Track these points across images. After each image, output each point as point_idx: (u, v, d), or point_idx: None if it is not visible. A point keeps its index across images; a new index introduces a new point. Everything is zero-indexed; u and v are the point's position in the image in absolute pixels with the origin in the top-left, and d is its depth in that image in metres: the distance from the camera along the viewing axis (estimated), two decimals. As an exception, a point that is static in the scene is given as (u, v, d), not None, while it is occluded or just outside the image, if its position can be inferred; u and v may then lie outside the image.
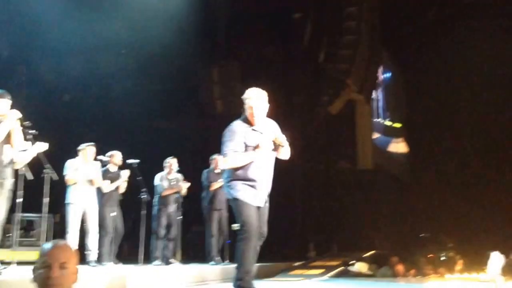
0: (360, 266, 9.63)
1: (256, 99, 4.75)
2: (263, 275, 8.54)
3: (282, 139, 4.78)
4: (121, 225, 7.98)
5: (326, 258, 10.46)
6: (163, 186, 8.33)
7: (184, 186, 8.48)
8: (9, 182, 5.82)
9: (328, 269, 9.42)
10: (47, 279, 2.09)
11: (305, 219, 10.90)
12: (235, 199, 4.56)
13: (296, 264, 9.92)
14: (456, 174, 14.52)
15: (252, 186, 4.59)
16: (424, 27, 14.15)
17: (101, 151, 7.71)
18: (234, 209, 4.66)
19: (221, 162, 5.91)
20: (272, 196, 10.65)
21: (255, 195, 4.60)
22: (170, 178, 8.45)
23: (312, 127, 11.71)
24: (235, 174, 4.59)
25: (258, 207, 4.64)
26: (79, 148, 7.37)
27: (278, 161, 10.65)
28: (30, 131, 5.77)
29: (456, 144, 14.89)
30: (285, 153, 4.83)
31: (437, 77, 14.77)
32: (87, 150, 7.36)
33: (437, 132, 15.23)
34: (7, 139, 5.17)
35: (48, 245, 2.20)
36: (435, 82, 14.86)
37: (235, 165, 4.56)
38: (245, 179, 4.56)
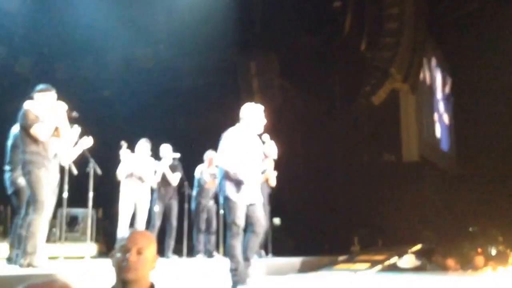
0: (408, 260, 9.52)
1: (258, 114, 5.49)
2: (307, 268, 8.60)
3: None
4: (174, 219, 8.14)
5: (371, 252, 10.39)
6: (204, 179, 8.46)
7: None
8: (56, 177, 6.06)
9: (374, 263, 9.36)
10: (123, 261, 2.16)
11: (348, 213, 10.86)
12: (226, 198, 5.16)
13: (341, 258, 9.91)
14: (505, 167, 14.15)
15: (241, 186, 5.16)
16: (469, 14, 13.84)
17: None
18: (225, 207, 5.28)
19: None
20: (315, 190, 10.68)
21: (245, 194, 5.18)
22: (210, 171, 8.58)
23: (354, 119, 11.63)
24: (227, 176, 5.18)
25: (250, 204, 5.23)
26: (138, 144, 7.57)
27: (319, 155, 10.69)
28: (72, 114, 5.98)
29: (505, 135, 14.52)
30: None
31: (483, 68, 14.44)
32: (140, 145, 7.56)
33: (484, 123, 14.89)
34: (54, 132, 5.33)
35: (127, 234, 2.31)
36: (480, 74, 14.53)
37: (229, 169, 5.20)
38: (236, 180, 5.14)
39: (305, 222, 10.37)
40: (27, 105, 5.22)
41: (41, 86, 5.37)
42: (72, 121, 5.78)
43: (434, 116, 16.26)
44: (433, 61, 16.17)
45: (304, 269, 8.62)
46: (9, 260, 5.58)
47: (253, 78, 12.24)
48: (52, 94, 5.35)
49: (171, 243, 8.05)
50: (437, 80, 16.85)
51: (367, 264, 9.39)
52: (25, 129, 5.15)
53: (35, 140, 5.11)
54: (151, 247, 2.26)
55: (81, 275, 4.79)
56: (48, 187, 5.19)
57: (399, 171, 12.62)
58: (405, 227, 11.22)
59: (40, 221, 5.03)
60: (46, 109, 5.27)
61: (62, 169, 6.11)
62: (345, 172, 11.11)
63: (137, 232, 2.37)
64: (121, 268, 2.16)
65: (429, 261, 9.64)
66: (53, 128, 5.22)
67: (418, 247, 10.30)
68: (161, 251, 7.79)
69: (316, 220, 10.47)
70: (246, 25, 11.36)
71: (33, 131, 5.08)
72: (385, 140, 12.62)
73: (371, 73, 11.52)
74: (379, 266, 9.13)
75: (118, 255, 2.21)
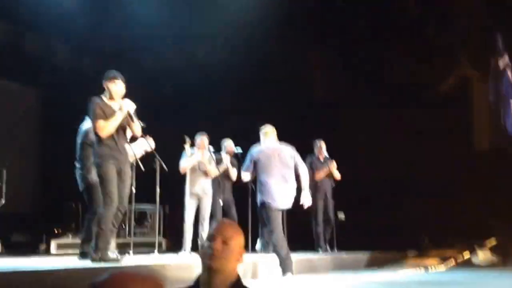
0: (482, 256, 9.28)
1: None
2: (375, 264, 8.57)
3: None
4: (234, 213, 8.30)
5: (442, 247, 10.20)
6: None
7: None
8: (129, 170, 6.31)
9: (446, 259, 9.22)
10: (209, 249, 2.23)
11: (418, 206, 10.66)
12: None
13: (411, 253, 9.80)
14: None
15: None
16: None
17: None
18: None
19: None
20: (382, 183, 10.56)
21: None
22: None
23: (420, 108, 11.36)
24: None
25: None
26: (196, 138, 7.78)
27: (386, 147, 10.53)
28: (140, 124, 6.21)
29: None
30: None
31: None
32: (201, 139, 7.77)
33: None
34: (124, 129, 5.46)
35: (215, 223, 2.41)
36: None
37: None
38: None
39: (372, 216, 10.28)
40: (95, 98, 5.32)
41: (107, 73, 5.43)
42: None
43: (510, 103, 15.62)
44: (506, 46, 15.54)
45: (372, 264, 8.61)
46: (82, 255, 5.86)
47: (313, 70, 12.23)
48: (119, 82, 5.40)
49: None
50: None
51: (438, 260, 9.26)
52: (92, 122, 5.33)
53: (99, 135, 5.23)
54: (238, 239, 2.30)
55: (151, 269, 4.99)
56: (121, 181, 5.31)
57: (470, 161, 12.25)
58: (476, 221, 10.91)
59: (109, 215, 5.18)
60: (115, 99, 5.34)
61: (130, 166, 6.38)
62: (412, 165, 10.90)
63: (224, 222, 2.44)
64: (206, 256, 2.23)
65: (506, 256, 9.34)
66: (116, 125, 5.27)
67: (492, 241, 10.01)
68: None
69: (383, 214, 10.34)
70: (307, 17, 11.32)
71: (96, 127, 5.22)
72: (455, 130, 12.28)
73: (440, 60, 11.22)
74: (452, 262, 8.97)
75: (206, 243, 2.29)
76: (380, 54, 11.30)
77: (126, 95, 5.51)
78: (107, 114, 5.25)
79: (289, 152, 6.43)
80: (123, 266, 5.02)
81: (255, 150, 6.43)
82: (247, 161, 6.45)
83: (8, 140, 9.92)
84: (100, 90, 5.48)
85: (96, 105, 5.25)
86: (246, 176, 6.63)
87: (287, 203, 6.37)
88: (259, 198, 6.32)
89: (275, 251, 6.09)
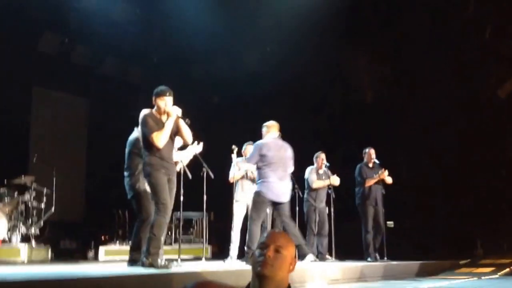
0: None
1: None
2: (426, 273, 8.42)
3: None
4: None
5: (496, 255, 9.94)
6: (311, 179, 8.57)
7: (335, 180, 8.62)
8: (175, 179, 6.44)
9: (499, 267, 8.97)
10: (260, 257, 2.27)
11: (470, 214, 10.43)
12: None
13: (463, 262, 9.58)
14: None
15: None
16: None
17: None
18: None
19: None
20: (433, 190, 10.32)
21: None
22: (320, 172, 8.69)
23: (477, 114, 11.11)
24: None
25: None
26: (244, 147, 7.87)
27: (438, 153, 10.29)
28: (185, 119, 6.30)
29: None
30: None
31: None
32: (249, 148, 7.83)
33: None
34: (175, 136, 5.61)
35: (267, 232, 2.51)
36: None
37: None
38: None
39: (422, 224, 10.12)
40: (145, 111, 5.52)
41: (156, 90, 5.60)
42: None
43: None
44: None
45: (423, 273, 8.45)
46: (131, 262, 5.97)
47: (362, 73, 12.12)
48: (170, 98, 5.55)
49: None
50: None
51: (492, 268, 9.03)
52: (144, 135, 5.49)
53: (156, 146, 5.39)
54: (290, 248, 2.34)
55: (198, 275, 5.05)
56: (169, 190, 5.45)
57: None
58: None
59: (163, 222, 5.32)
60: (164, 113, 5.50)
61: (178, 174, 6.50)
62: (467, 171, 10.66)
63: (277, 232, 2.48)
64: (257, 263, 2.27)
65: None
66: (169, 133, 5.45)
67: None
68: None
69: (434, 222, 10.17)
70: (354, 18, 11.24)
71: (152, 138, 5.37)
72: (508, 135, 11.97)
73: (498, 63, 10.93)
74: (506, 270, 8.73)
75: (257, 251, 2.33)
76: (434, 57, 11.09)
77: (174, 104, 5.64)
78: (159, 127, 5.43)
79: (291, 152, 6.84)
80: (173, 273, 5.10)
81: (262, 143, 6.75)
82: (254, 152, 6.73)
83: (58, 149, 10.26)
84: (148, 100, 5.65)
85: (148, 118, 5.46)
86: (247, 166, 7.19)
87: (284, 198, 6.71)
88: (258, 188, 6.70)
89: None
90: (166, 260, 5.79)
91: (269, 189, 6.58)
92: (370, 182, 8.75)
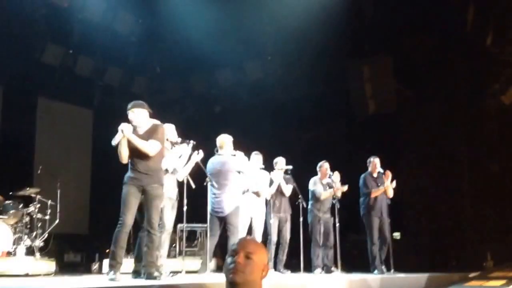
0: (551, 277, 8.95)
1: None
2: (436, 286, 8.39)
3: None
4: (286, 233, 8.37)
5: (507, 268, 9.89)
6: (318, 190, 8.62)
7: (341, 189, 8.66)
8: (174, 191, 6.54)
9: (511, 280, 8.92)
10: (231, 263, 2.32)
11: (479, 226, 10.42)
12: None
13: (472, 274, 9.54)
14: None
15: None
16: None
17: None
18: None
19: None
20: (440, 200, 10.34)
21: None
22: (323, 182, 8.74)
23: (481, 122, 11.15)
24: None
25: None
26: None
27: (443, 163, 10.27)
28: (188, 142, 6.43)
29: None
30: None
31: None
32: (252, 158, 7.92)
33: None
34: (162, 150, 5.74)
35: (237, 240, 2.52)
36: None
37: None
38: None
39: (429, 236, 10.12)
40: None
41: (133, 103, 5.76)
42: (183, 142, 6.22)
43: None
44: None
45: (431, 286, 8.44)
46: (135, 273, 6.07)
47: (366, 84, 12.19)
48: (145, 111, 5.71)
49: (283, 257, 8.26)
50: None
51: (503, 281, 8.96)
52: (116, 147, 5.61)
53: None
54: (261, 254, 2.38)
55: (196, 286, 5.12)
56: (146, 200, 5.59)
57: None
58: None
59: (118, 235, 5.46)
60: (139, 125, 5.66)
61: (181, 184, 6.59)
62: (473, 181, 10.67)
63: (246, 238, 2.56)
64: (229, 270, 2.32)
65: None
66: (122, 150, 5.55)
67: None
68: (275, 265, 8.06)
69: (442, 233, 10.17)
70: (357, 29, 11.36)
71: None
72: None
73: (500, 70, 11.00)
74: (518, 283, 8.70)
75: (228, 259, 2.38)
76: (436, 67, 11.17)
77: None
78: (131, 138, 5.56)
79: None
80: (165, 284, 5.18)
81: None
82: None
83: (63, 161, 10.38)
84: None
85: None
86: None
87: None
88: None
89: None
90: (168, 272, 5.92)
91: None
92: (375, 193, 8.78)
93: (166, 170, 6.39)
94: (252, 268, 2.31)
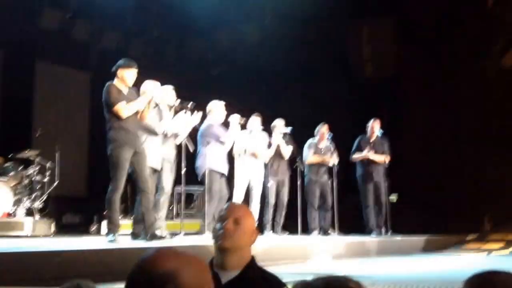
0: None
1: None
2: (432, 248, 8.41)
3: None
4: (284, 196, 8.33)
5: (505, 230, 9.89)
6: (305, 154, 8.53)
7: (333, 160, 8.54)
8: (172, 154, 6.47)
9: (509, 243, 8.92)
10: (220, 229, 2.29)
11: (477, 188, 10.37)
12: None
13: (470, 237, 9.55)
14: None
15: None
16: None
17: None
18: None
19: None
20: (438, 162, 10.30)
21: None
22: (320, 146, 8.63)
23: (481, 84, 11.00)
24: None
25: None
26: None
27: (442, 125, 10.20)
28: (187, 103, 6.33)
29: None
30: None
31: None
32: (251, 121, 7.82)
33: None
34: (139, 113, 5.66)
35: (226, 205, 2.49)
36: None
37: None
38: None
39: (427, 198, 10.08)
40: (110, 83, 5.53)
41: (123, 61, 5.65)
42: (187, 110, 6.12)
43: None
44: None
45: (429, 248, 8.46)
46: (133, 235, 6.06)
47: (364, 46, 11.99)
48: (134, 69, 5.62)
49: (280, 220, 8.25)
50: None
51: (501, 244, 9.00)
52: (107, 105, 5.48)
53: (118, 117, 5.43)
54: (249, 219, 2.35)
55: (200, 248, 5.09)
56: (137, 162, 5.52)
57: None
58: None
59: (111, 198, 5.39)
60: (128, 86, 5.58)
61: (179, 147, 6.51)
62: (473, 143, 10.58)
63: (234, 203, 2.56)
64: (218, 236, 2.28)
65: None
66: (137, 108, 5.52)
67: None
68: (273, 228, 8.05)
69: (440, 195, 10.13)
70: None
71: (116, 110, 5.41)
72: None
73: (501, 31, 10.79)
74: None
75: (217, 225, 2.34)
76: (437, 27, 10.95)
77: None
78: (122, 98, 5.46)
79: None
80: (170, 245, 5.16)
81: None
82: None
83: (60, 124, 10.33)
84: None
85: (112, 88, 5.47)
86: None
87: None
88: None
89: None
90: (167, 233, 5.92)
91: None
92: (355, 160, 8.66)
93: (165, 134, 6.32)
94: (241, 234, 2.28)
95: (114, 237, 5.37)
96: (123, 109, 5.39)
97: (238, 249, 2.26)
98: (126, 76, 5.54)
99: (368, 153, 8.55)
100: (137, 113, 5.60)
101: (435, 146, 10.69)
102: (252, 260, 2.31)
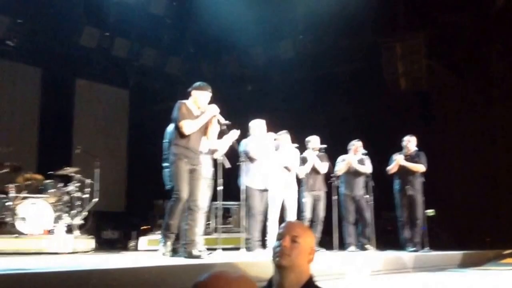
0: None
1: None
2: (469, 263, 8.14)
3: None
4: (320, 211, 8.20)
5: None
6: (336, 168, 8.40)
7: (364, 168, 8.38)
8: (209, 171, 6.41)
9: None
10: (278, 247, 2.24)
11: (513, 201, 10.06)
12: None
13: (507, 251, 9.23)
14: None
15: None
16: None
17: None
18: None
19: None
20: (474, 179, 10.00)
21: None
22: (355, 159, 8.49)
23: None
24: None
25: None
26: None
27: (478, 142, 9.89)
28: (224, 122, 6.26)
29: None
30: None
31: None
32: (282, 137, 7.73)
33: None
34: (204, 130, 5.67)
35: (284, 223, 2.41)
36: None
37: None
38: None
39: (463, 214, 9.80)
40: (180, 101, 5.60)
41: (198, 83, 5.71)
42: (223, 126, 6.07)
43: None
44: None
45: (466, 263, 8.18)
46: (172, 252, 5.99)
47: (398, 61, 11.81)
48: (207, 93, 5.68)
49: (316, 235, 8.09)
50: None
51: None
52: (174, 120, 5.55)
53: (182, 134, 5.47)
54: (307, 238, 2.30)
55: (239, 264, 4.99)
56: (193, 179, 5.50)
57: None
58: None
59: (174, 208, 5.39)
60: (200, 107, 5.62)
61: (215, 163, 6.45)
62: (509, 156, 10.28)
63: (293, 221, 2.46)
64: (275, 254, 2.24)
65: None
66: (200, 125, 5.53)
67: None
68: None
69: (476, 211, 9.84)
70: (389, 5, 10.97)
71: (181, 125, 5.44)
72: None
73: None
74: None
75: (275, 243, 2.30)
76: (470, 45, 10.71)
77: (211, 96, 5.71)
78: (190, 117, 5.52)
79: None
80: (209, 263, 5.07)
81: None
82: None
83: (100, 140, 10.41)
84: (185, 91, 5.68)
85: (183, 105, 5.53)
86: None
87: None
88: None
89: None
90: (204, 250, 5.82)
91: None
92: (391, 170, 8.46)
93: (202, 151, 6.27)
94: (299, 252, 2.24)
95: (166, 244, 5.48)
96: (187, 126, 5.45)
97: (295, 267, 2.23)
98: (199, 98, 5.62)
99: (398, 158, 8.35)
100: (200, 131, 5.60)
101: (470, 160, 10.40)
102: (311, 278, 2.26)
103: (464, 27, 10.72)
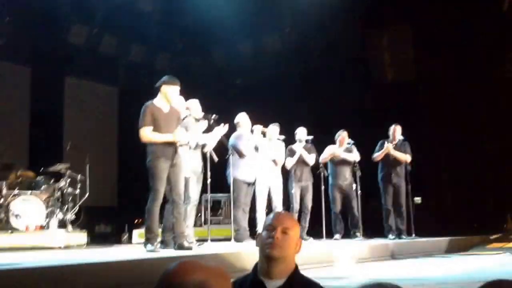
0: None
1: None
2: (456, 249, 8.28)
3: None
4: (308, 201, 8.30)
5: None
6: (325, 153, 8.50)
7: (352, 155, 8.47)
8: (198, 165, 6.50)
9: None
10: (269, 239, 2.28)
11: (500, 188, 10.20)
12: None
13: (493, 237, 9.38)
14: None
15: None
16: None
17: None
18: None
19: None
20: (460, 164, 10.15)
21: None
22: (341, 149, 8.58)
23: (500, 87, 10.82)
24: None
25: None
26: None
27: (464, 128, 10.01)
28: (212, 116, 6.34)
29: None
30: None
31: None
32: (269, 130, 7.82)
33: None
34: (176, 124, 5.69)
35: (272, 214, 2.46)
36: None
37: None
38: None
39: (450, 200, 9.95)
40: (147, 103, 5.54)
41: (167, 78, 5.66)
42: (212, 122, 6.15)
43: None
44: None
45: (452, 249, 8.32)
46: (162, 243, 6.08)
47: (384, 52, 11.91)
48: (177, 87, 5.64)
49: (305, 225, 8.22)
50: None
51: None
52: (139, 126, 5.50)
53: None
54: (296, 229, 2.36)
55: (227, 255, 5.09)
56: (174, 173, 5.53)
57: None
58: None
59: (151, 208, 5.43)
60: (170, 101, 5.60)
61: (204, 157, 6.54)
62: (494, 143, 10.42)
63: (282, 213, 2.56)
64: (266, 245, 2.27)
65: None
66: (160, 139, 5.47)
67: None
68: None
69: (462, 197, 9.99)
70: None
71: (140, 132, 5.46)
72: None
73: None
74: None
75: (264, 233, 2.33)
76: (455, 33, 10.81)
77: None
78: (155, 116, 5.46)
79: None
80: (197, 254, 5.15)
81: None
82: None
83: (90, 137, 10.45)
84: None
85: (147, 110, 5.48)
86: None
87: None
88: None
89: None
90: (194, 241, 5.93)
91: None
92: (377, 158, 8.53)
93: (190, 146, 6.35)
94: (289, 244, 2.29)
95: (153, 246, 5.41)
96: (145, 136, 5.44)
97: (285, 258, 2.27)
98: (169, 93, 5.57)
99: (388, 145, 8.42)
100: (174, 126, 5.62)
101: (455, 148, 10.54)
102: (296, 268, 2.32)
103: (451, 18, 10.81)
